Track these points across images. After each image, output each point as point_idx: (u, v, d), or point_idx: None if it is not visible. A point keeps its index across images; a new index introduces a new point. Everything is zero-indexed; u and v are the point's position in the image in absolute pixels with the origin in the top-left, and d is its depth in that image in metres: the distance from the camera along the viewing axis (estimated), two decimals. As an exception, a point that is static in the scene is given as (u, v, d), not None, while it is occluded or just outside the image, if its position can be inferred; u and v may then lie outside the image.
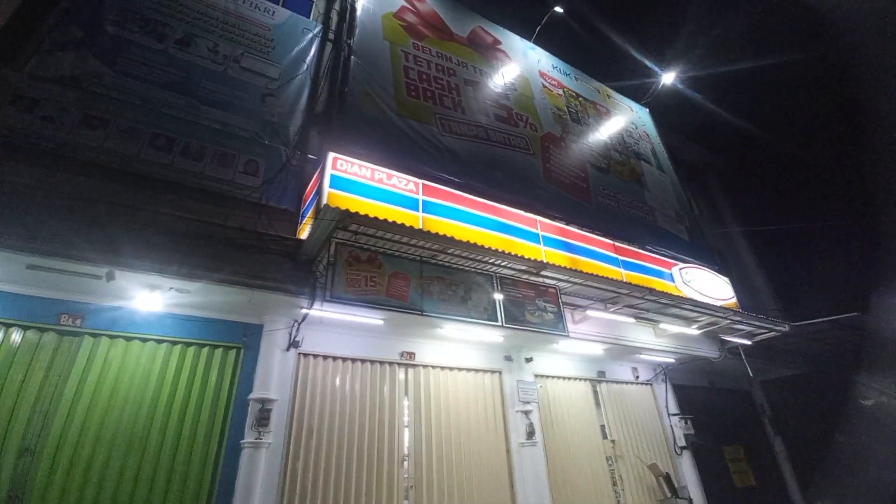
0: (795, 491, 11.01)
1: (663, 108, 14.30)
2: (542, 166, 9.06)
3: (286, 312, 5.84)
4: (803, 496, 10.89)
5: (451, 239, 5.32)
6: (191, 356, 5.42)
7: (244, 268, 5.22)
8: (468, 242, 5.51)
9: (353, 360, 6.52)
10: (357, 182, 5.63)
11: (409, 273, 5.56)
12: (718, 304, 8.83)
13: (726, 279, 9.82)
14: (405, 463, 6.21)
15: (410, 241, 5.39)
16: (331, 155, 5.61)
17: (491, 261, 6.14)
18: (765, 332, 9.55)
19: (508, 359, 7.77)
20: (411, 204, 5.91)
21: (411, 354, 6.96)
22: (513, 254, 6.00)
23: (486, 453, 6.96)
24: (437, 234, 5.21)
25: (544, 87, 11.00)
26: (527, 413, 7.38)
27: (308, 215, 5.60)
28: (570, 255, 7.21)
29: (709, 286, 9.13)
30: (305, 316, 5.71)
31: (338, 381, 6.25)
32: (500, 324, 6.15)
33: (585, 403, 8.70)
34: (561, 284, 7.18)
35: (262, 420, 5.28)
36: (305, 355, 6.15)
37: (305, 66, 7.43)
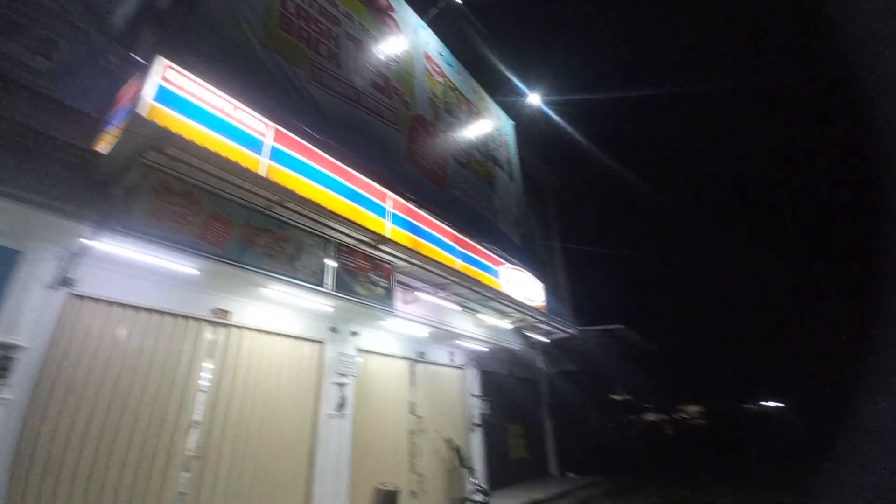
0: (554, 463, 13.46)
1: (527, 122, 15.72)
2: (406, 145, 9.04)
3: (59, 241, 4.64)
4: (558, 466, 13.42)
5: (293, 193, 4.89)
6: None
7: (4, 172, 3.98)
8: (312, 201, 5.15)
9: (150, 311, 5.56)
10: (191, 103, 4.69)
11: (232, 218, 4.91)
12: (530, 304, 10.12)
13: (541, 284, 11.29)
14: (192, 431, 5.57)
15: (245, 184, 4.78)
16: (162, 61, 4.56)
17: (332, 224, 5.87)
18: (559, 333, 11.39)
19: (334, 330, 7.60)
20: (255, 145, 5.19)
21: (226, 313, 6.25)
22: (356, 222, 5.83)
23: (291, 423, 6.70)
24: (277, 183, 4.73)
25: (427, 70, 10.96)
26: (341, 385, 7.35)
27: (117, 126, 4.50)
28: (414, 236, 7.34)
29: (526, 288, 10.37)
30: (85, 248, 4.61)
31: (123, 333, 5.25)
32: (326, 290, 5.92)
33: (400, 381, 9.08)
34: (398, 262, 7.30)
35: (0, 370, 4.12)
36: (81, 297, 5.00)
37: (152, -54, 5.98)
